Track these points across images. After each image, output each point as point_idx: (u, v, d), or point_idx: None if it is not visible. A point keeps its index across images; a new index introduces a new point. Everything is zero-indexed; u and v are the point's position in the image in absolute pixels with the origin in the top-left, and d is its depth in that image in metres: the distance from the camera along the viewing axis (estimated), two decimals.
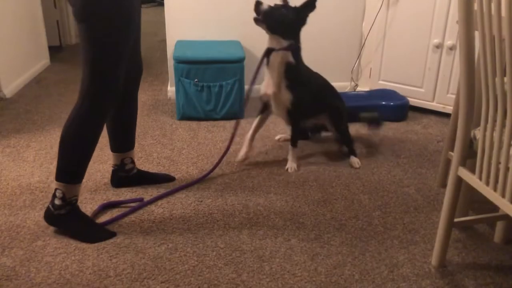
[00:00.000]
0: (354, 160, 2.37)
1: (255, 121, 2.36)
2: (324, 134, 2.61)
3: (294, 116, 2.28)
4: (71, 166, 1.69)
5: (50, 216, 1.75)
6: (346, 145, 2.44)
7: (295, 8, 2.12)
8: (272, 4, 2.11)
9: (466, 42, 1.35)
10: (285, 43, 2.12)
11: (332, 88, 2.44)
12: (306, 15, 2.13)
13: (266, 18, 2.07)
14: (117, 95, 1.68)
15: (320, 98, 2.35)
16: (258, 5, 2.06)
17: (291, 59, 2.15)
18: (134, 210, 1.92)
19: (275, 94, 2.20)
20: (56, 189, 1.71)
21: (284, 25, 2.10)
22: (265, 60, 2.18)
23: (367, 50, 3.28)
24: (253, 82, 2.20)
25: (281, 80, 2.17)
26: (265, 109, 2.34)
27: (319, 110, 2.38)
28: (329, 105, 2.37)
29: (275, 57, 2.14)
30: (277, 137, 2.61)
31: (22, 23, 3.58)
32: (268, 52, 2.16)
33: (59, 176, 1.70)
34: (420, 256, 1.69)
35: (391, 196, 2.09)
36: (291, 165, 2.30)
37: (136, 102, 1.99)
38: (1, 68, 3.18)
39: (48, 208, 1.76)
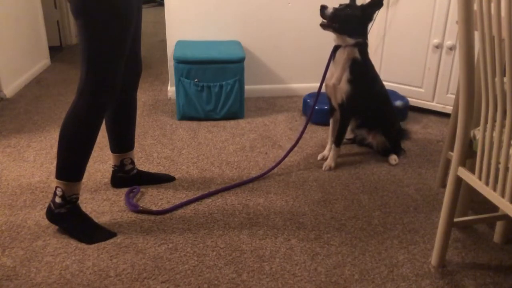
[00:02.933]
0: (393, 157, 2.40)
1: (330, 126, 2.42)
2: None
3: (345, 111, 2.28)
4: (69, 164, 1.69)
5: (51, 214, 1.76)
6: (392, 145, 2.43)
7: (360, 6, 2.16)
8: (336, 5, 2.15)
9: (465, 42, 1.35)
10: (351, 41, 2.16)
11: (390, 103, 2.44)
12: (373, 13, 2.17)
13: (332, 22, 2.13)
14: (114, 93, 1.67)
15: (375, 106, 2.36)
16: (323, 9, 2.12)
17: (357, 55, 2.18)
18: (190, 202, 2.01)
19: (335, 85, 2.24)
20: (56, 187, 1.71)
21: (349, 25, 2.14)
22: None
23: None
24: (323, 79, 2.29)
25: (343, 74, 2.20)
26: (333, 111, 2.38)
27: (369, 119, 2.39)
28: (381, 118, 2.39)
29: (341, 53, 2.19)
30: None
31: (23, 23, 3.58)
32: (335, 49, 2.22)
33: (59, 174, 1.70)
34: (420, 256, 1.69)
35: (390, 196, 2.09)
36: (329, 163, 2.32)
37: (135, 103, 1.99)
38: (1, 68, 3.18)
39: (49, 205, 1.76)
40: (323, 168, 2.31)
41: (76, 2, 1.55)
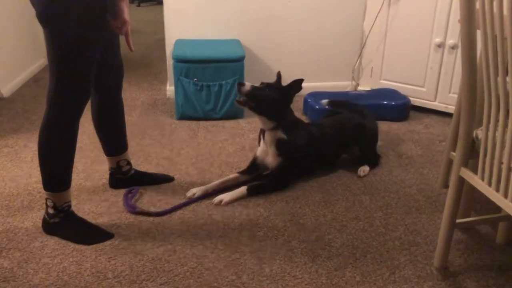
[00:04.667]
0: (364, 169, 2.26)
1: (229, 177, 2.14)
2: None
3: (274, 177, 2.12)
4: (53, 175, 1.68)
5: (47, 226, 1.75)
6: (368, 159, 2.33)
7: (279, 88, 2.10)
8: (257, 84, 2.08)
9: (468, 41, 1.34)
10: (271, 124, 2.08)
11: (357, 126, 2.32)
12: (292, 95, 2.11)
13: (250, 99, 2.03)
14: (85, 99, 1.63)
15: (340, 141, 2.31)
16: (240, 86, 2.02)
17: (282, 135, 2.08)
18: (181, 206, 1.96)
19: (266, 159, 2.15)
20: (46, 199, 1.70)
21: (266, 106, 2.06)
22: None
23: (368, 49, 3.26)
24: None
25: (273, 152, 2.11)
26: (249, 170, 2.19)
27: (341, 150, 2.35)
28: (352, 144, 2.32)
29: (267, 136, 2.11)
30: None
31: (20, 22, 3.56)
32: (262, 131, 2.15)
33: (45, 186, 1.68)
34: (422, 257, 1.67)
35: (392, 197, 2.07)
36: (224, 197, 1.98)
37: (121, 105, 1.96)
38: None
39: (44, 217, 1.75)
40: (213, 201, 1.98)
41: (40, 9, 1.49)
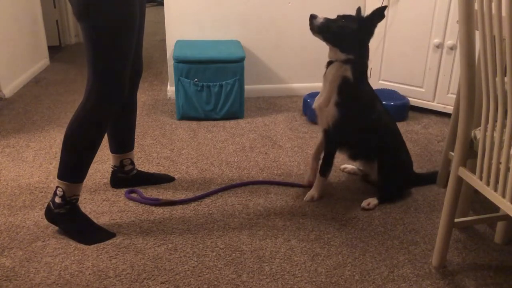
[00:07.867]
0: (368, 201, 2.01)
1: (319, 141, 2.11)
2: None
3: (330, 139, 1.99)
4: (72, 165, 1.69)
5: (50, 214, 1.75)
6: (383, 186, 2.07)
7: (358, 18, 1.87)
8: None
9: (466, 42, 1.35)
10: (342, 56, 1.86)
11: (393, 135, 2.04)
12: (373, 26, 1.86)
13: (322, 30, 1.85)
14: (121, 94, 1.67)
15: (370, 138, 1.99)
16: (311, 19, 1.85)
17: (348, 74, 1.87)
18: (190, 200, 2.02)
19: (321, 107, 1.95)
20: (57, 187, 1.71)
21: (341, 38, 1.85)
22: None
23: None
24: None
25: (331, 95, 1.91)
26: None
27: (364, 151, 2.05)
28: (381, 155, 2.01)
29: (332, 69, 1.90)
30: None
31: (22, 23, 3.58)
32: (328, 64, 1.95)
33: (61, 174, 1.69)
34: (421, 256, 1.68)
35: None
36: (311, 193, 2.03)
37: (135, 103, 1.99)
38: (0, 68, 3.18)
39: (48, 205, 1.75)
40: (305, 198, 2.03)
41: (78, 5, 1.54)
